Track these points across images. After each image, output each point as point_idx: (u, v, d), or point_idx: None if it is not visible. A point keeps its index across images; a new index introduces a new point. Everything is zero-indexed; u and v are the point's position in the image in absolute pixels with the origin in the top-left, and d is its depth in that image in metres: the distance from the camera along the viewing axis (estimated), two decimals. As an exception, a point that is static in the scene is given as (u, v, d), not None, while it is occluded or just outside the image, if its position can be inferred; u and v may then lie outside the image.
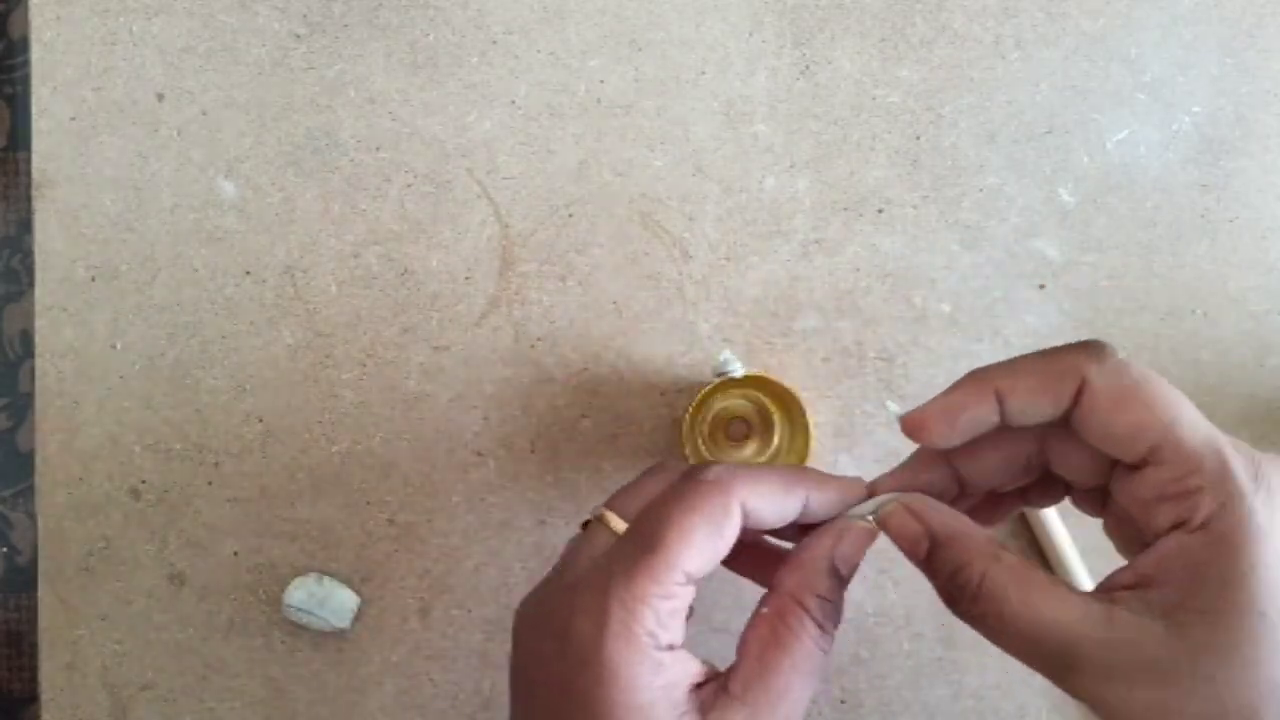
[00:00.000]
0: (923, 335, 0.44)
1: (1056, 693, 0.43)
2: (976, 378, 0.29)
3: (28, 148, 0.45)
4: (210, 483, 0.44)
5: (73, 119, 0.44)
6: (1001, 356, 0.44)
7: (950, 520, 0.29)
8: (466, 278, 0.44)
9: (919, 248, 0.44)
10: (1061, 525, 0.43)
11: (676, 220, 0.44)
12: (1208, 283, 0.44)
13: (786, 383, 0.41)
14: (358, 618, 0.44)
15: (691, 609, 0.30)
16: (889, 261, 0.44)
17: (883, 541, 0.43)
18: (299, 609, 0.42)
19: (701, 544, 0.28)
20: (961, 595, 0.28)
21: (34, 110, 0.44)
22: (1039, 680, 0.43)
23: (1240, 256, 0.44)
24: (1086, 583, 0.42)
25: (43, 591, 0.44)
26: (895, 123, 0.44)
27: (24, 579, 0.45)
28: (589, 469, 0.43)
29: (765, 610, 0.30)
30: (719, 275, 0.44)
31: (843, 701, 0.43)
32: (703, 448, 0.42)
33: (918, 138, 0.44)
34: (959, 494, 0.31)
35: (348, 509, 0.44)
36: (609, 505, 0.33)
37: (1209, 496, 0.26)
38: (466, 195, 0.44)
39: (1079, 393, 0.28)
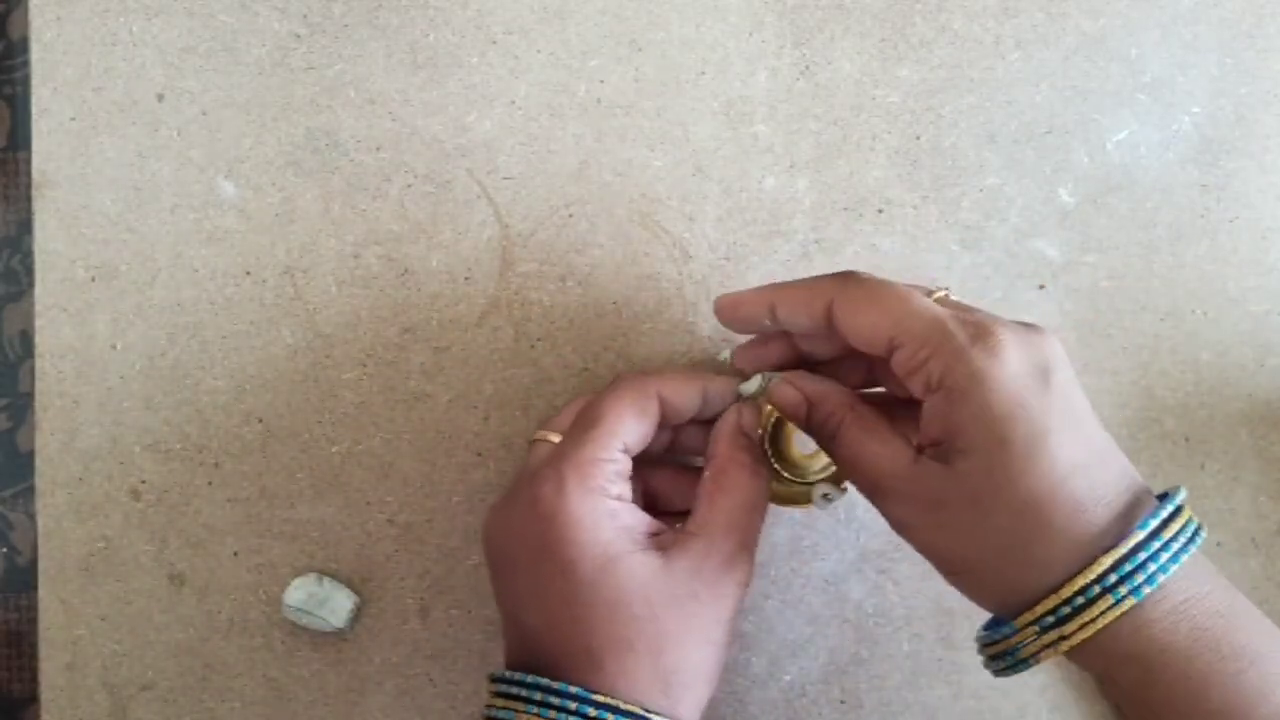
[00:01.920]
0: (923, 335, 0.44)
1: (1056, 692, 0.43)
2: (762, 289, 0.36)
3: (28, 148, 0.45)
4: (210, 483, 0.44)
5: (73, 119, 0.44)
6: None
7: (818, 384, 0.36)
8: (466, 278, 0.44)
9: (919, 248, 0.44)
10: None
11: (676, 220, 0.44)
12: (1208, 283, 0.44)
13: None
14: (358, 618, 0.44)
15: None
16: (889, 261, 0.44)
17: (883, 542, 0.43)
18: (299, 609, 0.42)
19: (631, 420, 0.35)
20: (826, 437, 0.35)
21: (34, 110, 0.44)
22: (1039, 680, 0.43)
23: (1240, 256, 0.44)
24: None
25: (43, 591, 0.44)
26: (895, 123, 0.44)
27: (24, 579, 0.45)
28: (589, 469, 0.43)
29: (707, 473, 0.36)
30: (719, 275, 0.44)
31: (843, 701, 0.43)
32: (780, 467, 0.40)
33: (918, 138, 0.44)
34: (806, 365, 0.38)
35: (348, 509, 0.44)
36: (545, 427, 0.39)
37: (935, 361, 0.32)
38: (466, 195, 0.44)
39: (830, 307, 0.34)
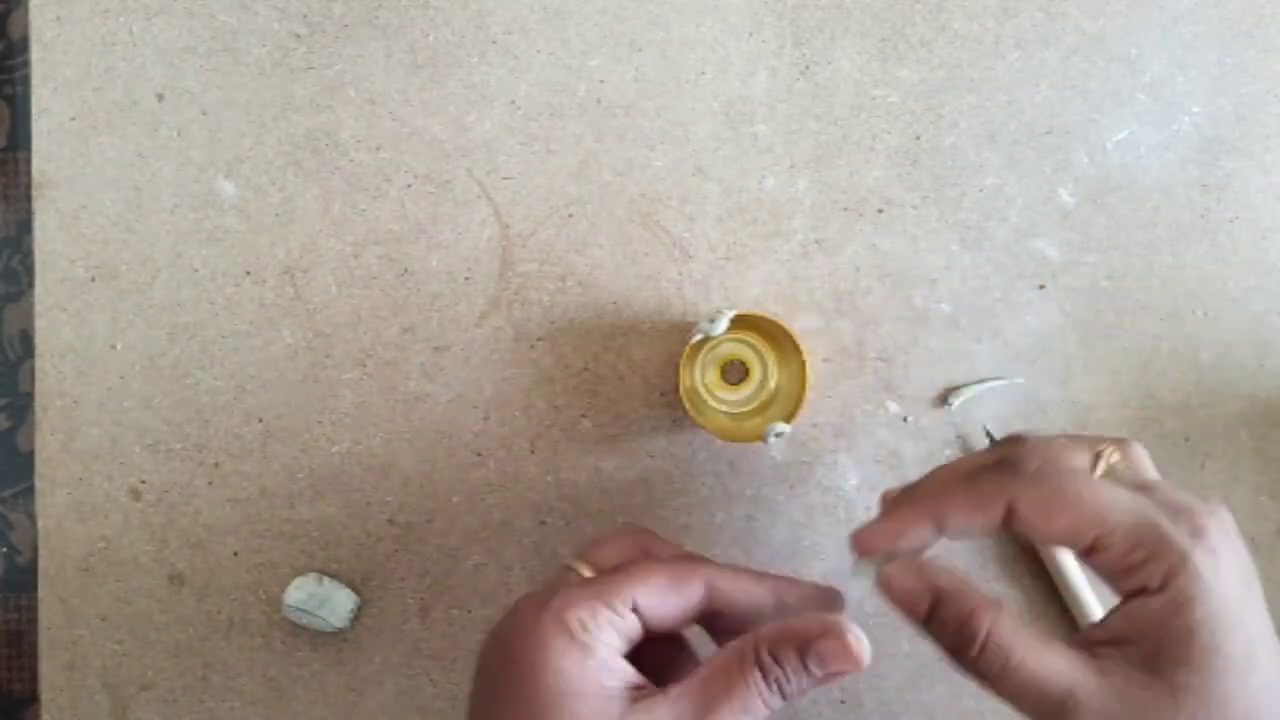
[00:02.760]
0: (923, 335, 0.44)
1: (1056, 693, 0.43)
2: (915, 504, 0.33)
3: (28, 148, 0.45)
4: (210, 483, 0.44)
5: (73, 119, 0.44)
6: (1002, 356, 0.44)
7: (951, 578, 0.31)
8: (466, 278, 0.44)
9: (919, 248, 0.44)
10: (1073, 559, 0.43)
11: (676, 220, 0.44)
12: (1208, 283, 0.44)
13: (778, 318, 0.41)
14: (358, 618, 0.44)
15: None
16: (889, 261, 0.44)
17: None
18: (299, 609, 0.42)
19: (658, 589, 0.33)
20: (969, 646, 0.30)
21: (34, 110, 0.44)
22: (1039, 680, 0.43)
23: (1240, 256, 0.44)
24: (1098, 612, 0.42)
25: (43, 591, 0.44)
26: (895, 123, 0.44)
27: (24, 579, 0.45)
28: (589, 469, 0.43)
29: (735, 643, 0.32)
30: (719, 275, 0.44)
31: (843, 702, 0.43)
32: (703, 392, 0.42)
33: (918, 138, 0.44)
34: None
35: (348, 509, 0.44)
36: (580, 556, 0.35)
37: (1155, 564, 0.29)
38: (466, 195, 0.44)
39: (1009, 511, 0.31)
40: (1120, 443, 0.34)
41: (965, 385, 0.44)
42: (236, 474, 0.44)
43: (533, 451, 0.44)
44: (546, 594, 0.33)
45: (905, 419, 0.44)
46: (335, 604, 0.43)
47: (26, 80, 0.45)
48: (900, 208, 0.44)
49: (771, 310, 0.44)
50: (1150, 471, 0.33)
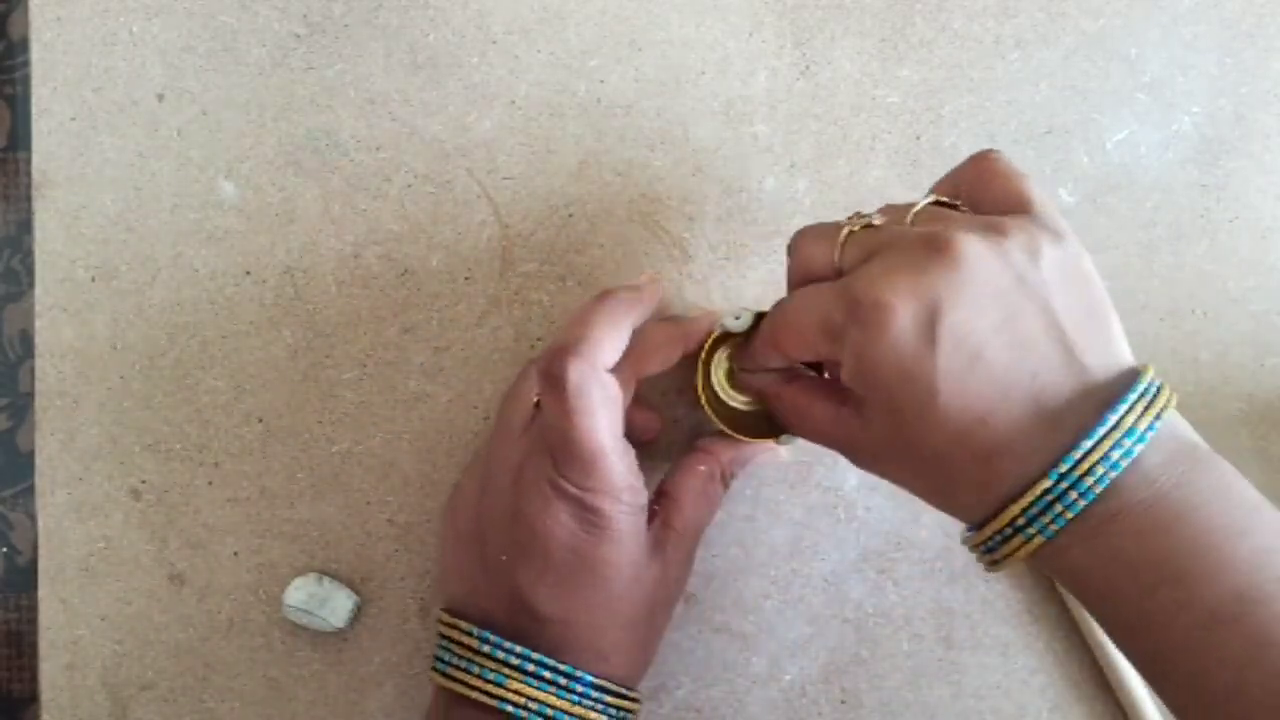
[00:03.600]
0: (923, 335, 0.44)
1: (1056, 691, 0.43)
2: (761, 345, 0.38)
3: (28, 148, 0.45)
4: (210, 483, 0.44)
5: (73, 119, 0.44)
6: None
7: (771, 382, 0.39)
8: (466, 278, 0.44)
9: (919, 248, 0.44)
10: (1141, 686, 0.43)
11: (676, 220, 0.44)
12: (1208, 283, 0.44)
13: None
14: (358, 618, 0.44)
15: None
16: (889, 261, 0.44)
17: (883, 542, 0.43)
18: (299, 609, 0.42)
19: (606, 422, 0.36)
20: (778, 416, 0.39)
21: (34, 110, 0.44)
22: (1039, 680, 0.43)
23: (1240, 256, 0.44)
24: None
25: (43, 591, 0.44)
26: (895, 123, 0.44)
27: (24, 579, 0.45)
28: (589, 469, 0.43)
29: (701, 468, 0.40)
30: (719, 275, 0.44)
31: (843, 702, 0.43)
32: (723, 391, 0.41)
33: (918, 138, 0.44)
34: None
35: (348, 509, 0.44)
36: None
37: (822, 348, 0.34)
38: (466, 195, 0.44)
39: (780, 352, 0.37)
40: (890, 212, 0.35)
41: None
42: (236, 474, 0.44)
43: (533, 451, 0.44)
44: (580, 468, 0.37)
45: (905, 419, 0.44)
46: (335, 604, 0.43)
47: (26, 80, 0.45)
48: (900, 208, 0.44)
49: None
50: (924, 220, 0.34)
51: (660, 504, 0.40)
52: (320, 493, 0.44)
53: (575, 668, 0.35)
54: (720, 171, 0.44)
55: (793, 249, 0.36)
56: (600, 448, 0.35)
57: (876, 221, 0.34)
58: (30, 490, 0.44)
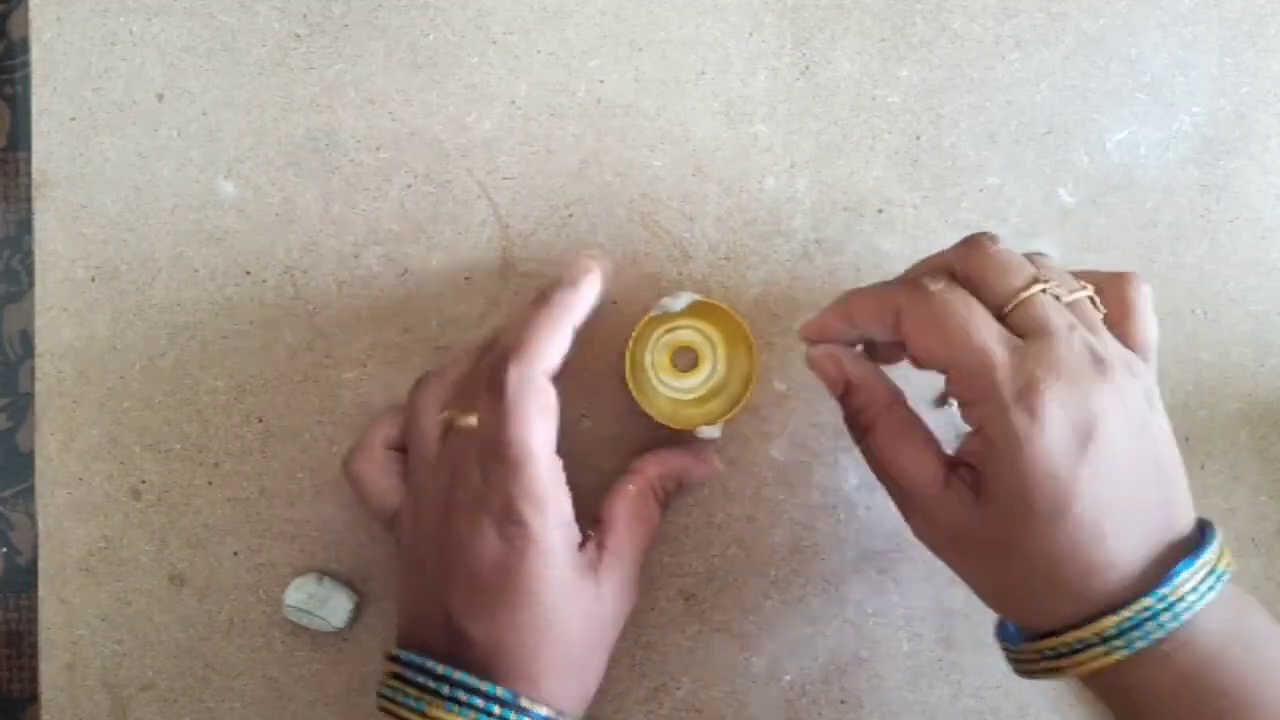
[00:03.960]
0: (923, 335, 0.44)
1: (1056, 692, 0.43)
2: (837, 303, 0.37)
3: (28, 148, 0.45)
4: (210, 483, 0.44)
5: (73, 119, 0.44)
6: (1001, 356, 0.43)
7: (863, 368, 0.37)
8: (466, 278, 0.44)
9: (919, 248, 0.44)
10: None
11: (676, 220, 0.44)
12: (1208, 283, 0.44)
13: (738, 315, 0.41)
14: (358, 618, 0.44)
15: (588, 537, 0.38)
16: (889, 261, 0.44)
17: (883, 542, 0.43)
18: (299, 609, 0.42)
19: (542, 426, 0.36)
20: (857, 430, 0.37)
21: (34, 110, 0.44)
22: (1039, 680, 0.43)
23: (1240, 256, 0.44)
24: None
25: (43, 591, 0.44)
26: (895, 123, 0.44)
27: (24, 579, 0.45)
28: (589, 469, 0.43)
29: (631, 488, 0.40)
30: (719, 275, 0.44)
31: (843, 702, 0.43)
32: (651, 374, 0.42)
33: (918, 138, 0.44)
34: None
35: (348, 509, 0.44)
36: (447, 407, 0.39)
37: (977, 409, 0.33)
38: (466, 195, 0.44)
39: (898, 320, 0.35)
40: (1087, 283, 0.35)
41: (965, 385, 0.44)
42: (236, 474, 0.44)
43: (533, 451, 0.44)
44: (505, 483, 0.37)
45: (905, 419, 0.44)
46: (335, 604, 0.43)
47: (26, 80, 0.45)
48: (900, 208, 0.44)
49: (771, 310, 0.44)
50: (1086, 319, 0.34)
51: (594, 528, 0.39)
52: (320, 493, 0.44)
53: (500, 688, 0.34)
54: (720, 171, 0.44)
55: (930, 290, 0.35)
56: (530, 452, 0.35)
57: (1060, 294, 0.34)
58: (30, 490, 0.44)
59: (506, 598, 0.35)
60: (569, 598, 0.36)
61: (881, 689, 0.43)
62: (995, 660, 0.43)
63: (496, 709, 0.34)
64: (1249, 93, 0.45)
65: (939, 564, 0.43)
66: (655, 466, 0.40)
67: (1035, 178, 0.44)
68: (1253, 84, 0.45)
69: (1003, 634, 0.37)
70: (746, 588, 0.44)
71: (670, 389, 0.41)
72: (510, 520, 0.35)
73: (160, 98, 0.45)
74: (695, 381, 0.42)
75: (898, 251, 0.44)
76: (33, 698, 0.45)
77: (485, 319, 0.44)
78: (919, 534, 0.36)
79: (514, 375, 0.35)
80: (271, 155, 0.44)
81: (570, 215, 0.44)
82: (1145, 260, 0.44)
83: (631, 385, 0.41)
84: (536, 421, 0.35)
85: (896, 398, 0.37)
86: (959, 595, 0.43)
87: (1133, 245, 0.44)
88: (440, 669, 0.34)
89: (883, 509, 0.44)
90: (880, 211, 0.44)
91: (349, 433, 0.44)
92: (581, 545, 0.37)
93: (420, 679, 0.35)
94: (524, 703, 0.34)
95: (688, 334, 0.42)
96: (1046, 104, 0.45)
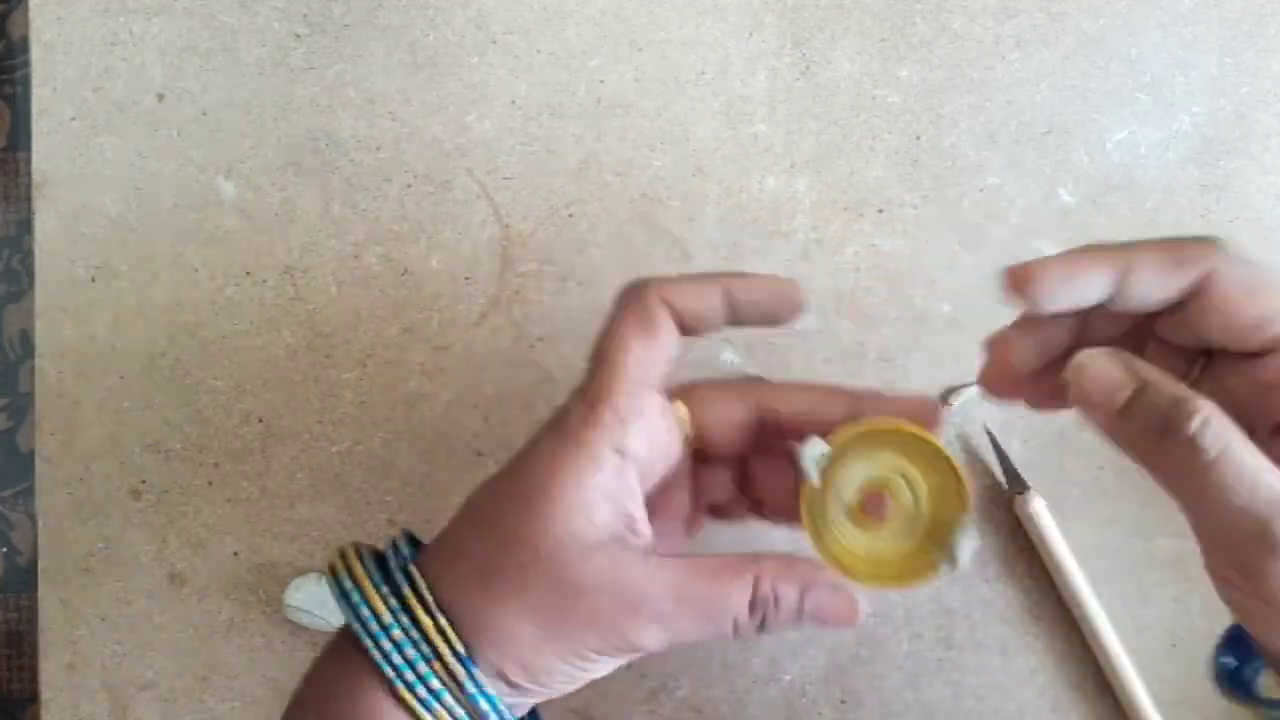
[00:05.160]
0: (923, 335, 0.44)
1: (1056, 693, 0.43)
2: (1097, 248, 0.28)
3: (28, 148, 0.45)
4: (210, 483, 0.44)
5: (73, 119, 0.44)
6: (1001, 356, 0.43)
7: (1152, 367, 0.28)
8: (466, 278, 0.44)
9: (919, 248, 0.44)
10: (1072, 560, 0.42)
11: (676, 220, 0.44)
12: (1208, 283, 0.44)
13: (912, 428, 0.31)
14: (358, 618, 0.44)
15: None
16: (889, 261, 0.44)
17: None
18: (299, 609, 0.42)
19: (638, 346, 0.31)
20: (1180, 427, 0.26)
21: (34, 110, 0.44)
22: (1039, 680, 0.43)
23: (1240, 256, 0.44)
24: (1098, 611, 0.42)
25: (43, 591, 0.44)
26: (895, 123, 0.44)
27: (24, 579, 0.45)
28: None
29: (738, 560, 0.31)
30: (719, 275, 0.44)
31: (843, 701, 0.43)
32: (836, 530, 0.32)
33: (918, 138, 0.44)
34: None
35: (348, 509, 0.44)
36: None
37: None
38: (466, 195, 0.44)
39: (1204, 281, 0.27)
40: None
41: (965, 385, 0.44)
42: (236, 474, 0.44)
43: (533, 451, 0.44)
44: (546, 431, 0.32)
45: (905, 419, 0.44)
46: (335, 604, 0.43)
47: (26, 80, 0.45)
48: (900, 208, 0.44)
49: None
50: None
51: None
52: (320, 493, 0.44)
53: (430, 589, 0.30)
54: (720, 171, 0.44)
55: (1235, 250, 0.28)
56: (621, 351, 0.30)
57: None
58: (30, 490, 0.44)
59: (507, 475, 0.31)
60: (565, 522, 0.30)
61: (881, 689, 0.43)
62: (995, 660, 0.43)
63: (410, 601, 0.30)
64: (1249, 93, 0.45)
65: (939, 564, 0.43)
66: (776, 562, 0.31)
67: (1035, 178, 0.44)
68: (1253, 84, 0.45)
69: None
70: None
71: (865, 556, 0.32)
72: (563, 408, 0.31)
73: (160, 98, 0.45)
74: (889, 536, 0.32)
75: (898, 251, 0.44)
76: (33, 698, 0.45)
77: (485, 319, 0.44)
78: (1255, 585, 0.26)
79: (651, 294, 0.31)
80: (271, 155, 0.44)
81: (570, 215, 0.44)
82: (1145, 260, 0.44)
83: (810, 531, 0.32)
84: (636, 339, 0.31)
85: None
86: (959, 595, 0.43)
87: (1133, 245, 0.44)
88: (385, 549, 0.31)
89: (883, 509, 0.44)
90: (880, 211, 0.44)
91: (349, 432, 0.44)
92: (630, 524, 0.31)
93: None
94: (434, 615, 0.30)
95: (876, 474, 0.32)
96: (1046, 104, 0.45)
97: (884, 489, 0.32)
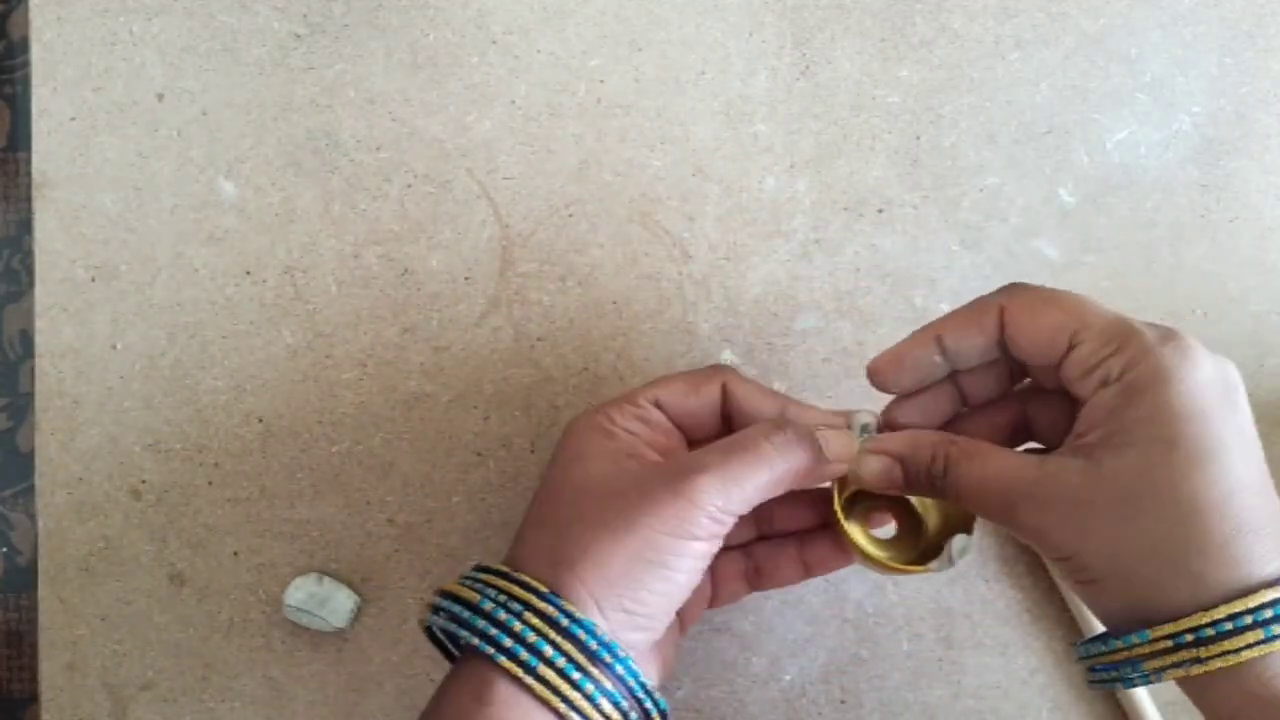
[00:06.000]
0: (923, 335, 0.44)
1: (1056, 692, 0.43)
2: (917, 332, 0.34)
3: (28, 148, 0.45)
4: (210, 483, 0.44)
5: (73, 119, 0.44)
6: (1001, 356, 0.43)
7: (903, 438, 0.34)
8: (466, 278, 0.44)
9: (919, 248, 0.44)
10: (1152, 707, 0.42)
11: (676, 220, 0.44)
12: (1208, 283, 0.44)
13: None
14: (358, 618, 0.44)
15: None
16: (889, 261, 0.44)
17: (883, 541, 0.43)
18: (299, 609, 0.42)
19: (679, 386, 0.36)
20: (938, 480, 0.33)
21: (34, 110, 0.44)
22: (1039, 680, 0.43)
23: (1240, 256, 0.44)
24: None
25: (43, 591, 0.44)
26: (895, 123, 0.44)
27: (24, 579, 0.45)
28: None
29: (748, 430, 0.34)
30: (719, 275, 0.44)
31: (843, 702, 0.43)
32: (860, 538, 0.36)
33: (918, 138, 0.44)
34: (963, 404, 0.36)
35: (348, 509, 0.44)
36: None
37: (1119, 356, 0.30)
38: (466, 195, 0.44)
39: (1002, 320, 0.32)
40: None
41: (965, 385, 0.44)
42: (236, 474, 0.44)
43: (533, 451, 0.44)
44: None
45: (905, 419, 0.44)
46: (335, 604, 0.43)
47: (26, 80, 0.45)
48: (900, 208, 0.44)
49: (771, 310, 0.44)
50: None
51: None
52: (320, 493, 0.44)
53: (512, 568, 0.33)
54: (720, 171, 0.44)
55: (1028, 284, 0.33)
56: (655, 387, 0.36)
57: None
58: (30, 490, 0.44)
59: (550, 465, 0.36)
60: (574, 467, 0.34)
61: (881, 689, 0.43)
62: (995, 660, 0.43)
63: (487, 578, 0.33)
64: (1249, 93, 0.45)
65: (939, 564, 0.43)
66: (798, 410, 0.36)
67: (1035, 178, 0.44)
68: (1253, 84, 0.45)
69: (1102, 640, 0.32)
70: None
71: (880, 552, 0.36)
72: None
73: (160, 98, 0.45)
74: (900, 548, 0.37)
75: (898, 251, 0.44)
76: (33, 698, 0.45)
77: (485, 319, 0.44)
78: (1033, 531, 0.31)
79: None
80: (271, 155, 0.44)
81: (570, 215, 0.44)
82: (1145, 260, 0.44)
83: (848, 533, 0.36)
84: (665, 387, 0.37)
85: (943, 435, 0.34)
86: (959, 595, 0.43)
87: (1133, 245, 0.44)
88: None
89: (883, 509, 0.44)
90: (880, 211, 0.44)
91: (349, 432, 0.44)
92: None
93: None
94: (497, 567, 0.33)
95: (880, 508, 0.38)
96: (1046, 104, 0.45)
97: (896, 509, 0.37)
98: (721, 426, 0.37)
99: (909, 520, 0.37)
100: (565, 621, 0.31)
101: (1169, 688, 0.42)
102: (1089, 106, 0.45)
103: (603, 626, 0.31)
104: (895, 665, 0.43)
